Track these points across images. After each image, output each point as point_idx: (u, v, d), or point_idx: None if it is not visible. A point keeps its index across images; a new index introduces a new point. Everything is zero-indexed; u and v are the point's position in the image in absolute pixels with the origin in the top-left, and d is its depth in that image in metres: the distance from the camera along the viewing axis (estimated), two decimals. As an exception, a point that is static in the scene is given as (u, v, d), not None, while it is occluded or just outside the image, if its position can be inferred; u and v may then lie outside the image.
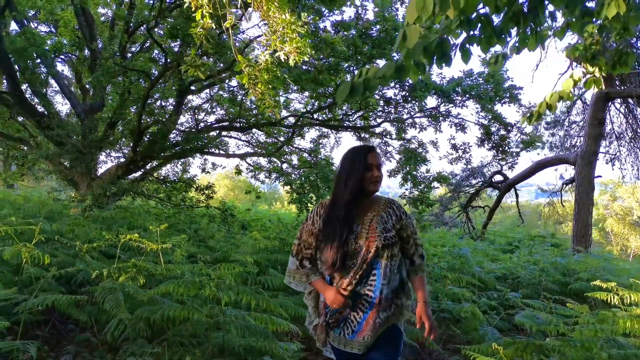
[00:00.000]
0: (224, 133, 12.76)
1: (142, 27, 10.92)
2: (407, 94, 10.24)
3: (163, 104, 12.28)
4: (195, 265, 4.10)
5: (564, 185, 15.42)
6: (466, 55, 2.92)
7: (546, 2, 2.88)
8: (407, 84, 9.92)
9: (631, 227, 30.59)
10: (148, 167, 12.40)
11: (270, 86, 4.37)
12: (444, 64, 2.95)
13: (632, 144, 14.66)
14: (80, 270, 3.56)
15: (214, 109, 13.47)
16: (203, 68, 4.73)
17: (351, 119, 11.77)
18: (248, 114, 12.31)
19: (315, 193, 9.08)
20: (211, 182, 12.38)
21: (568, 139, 15.68)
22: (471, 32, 2.80)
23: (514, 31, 3.14)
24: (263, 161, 13.04)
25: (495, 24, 2.95)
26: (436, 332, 2.56)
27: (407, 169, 10.45)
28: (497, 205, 15.80)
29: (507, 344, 3.63)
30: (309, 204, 9.26)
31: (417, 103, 10.74)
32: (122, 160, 12.46)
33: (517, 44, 3.31)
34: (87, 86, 12.80)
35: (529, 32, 3.20)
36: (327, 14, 8.43)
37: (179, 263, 4.29)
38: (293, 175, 10.96)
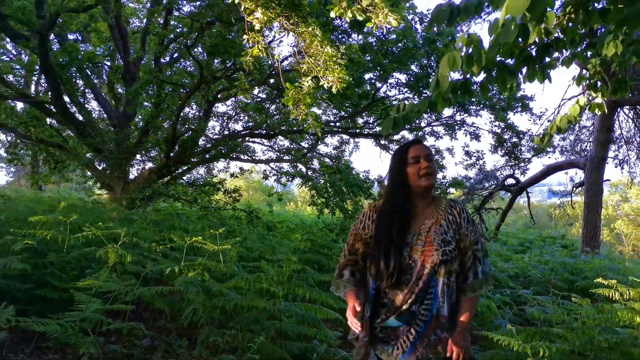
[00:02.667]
0: (250, 139, 13.44)
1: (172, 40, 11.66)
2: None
3: (195, 112, 13.00)
4: (255, 262, 4.77)
5: (574, 188, 15.95)
6: (486, 92, 3.55)
7: (551, 49, 3.50)
8: (426, 95, 10.56)
9: (642, 228, 30.95)
10: (178, 171, 13.13)
11: (312, 108, 5.04)
12: (467, 96, 3.59)
13: (640, 148, 15.16)
14: (162, 268, 4.23)
15: (239, 116, 14.17)
16: (251, 91, 5.41)
17: (371, 127, 12.47)
18: (270, 120, 13.00)
19: (340, 197, 9.74)
20: (238, 186, 13.09)
21: (578, 143, 16.19)
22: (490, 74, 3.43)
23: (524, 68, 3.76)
24: (286, 166, 13.72)
25: (509, 63, 3.57)
26: None
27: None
28: (510, 208, 16.35)
29: (519, 332, 4.26)
30: (334, 207, 9.93)
31: (434, 113, 11.38)
32: (149, 164, 13.21)
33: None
34: (118, 95, 13.58)
35: (537, 68, 3.81)
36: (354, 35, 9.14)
37: (234, 262, 4.96)
38: (315, 180, 11.60)
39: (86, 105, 13.50)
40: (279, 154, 14.22)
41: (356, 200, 10.39)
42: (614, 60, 4.24)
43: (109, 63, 13.89)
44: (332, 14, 4.30)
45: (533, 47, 3.47)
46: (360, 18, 4.26)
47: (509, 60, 3.47)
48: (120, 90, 13.88)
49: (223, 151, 12.27)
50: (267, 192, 14.75)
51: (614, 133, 13.85)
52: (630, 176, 15.76)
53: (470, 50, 2.83)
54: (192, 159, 12.35)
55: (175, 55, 13.17)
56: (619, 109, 13.55)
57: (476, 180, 15.07)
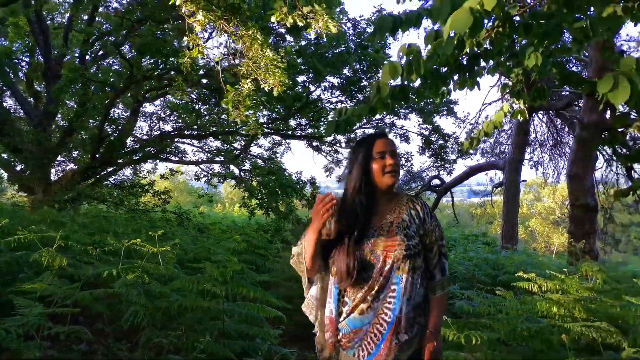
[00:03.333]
0: (180, 140, 13.24)
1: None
2: (358, 108, 11.15)
3: (121, 112, 12.65)
4: (191, 264, 4.76)
5: (494, 189, 16.87)
6: (421, 97, 3.77)
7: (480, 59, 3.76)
8: (359, 98, 10.88)
9: (554, 226, 32.99)
10: (104, 172, 12.72)
11: (251, 110, 5.11)
12: (403, 103, 3.81)
13: (553, 150, 16.24)
14: (99, 271, 4.15)
15: (168, 116, 13.93)
16: (188, 92, 5.40)
17: (304, 129, 12.65)
18: (201, 121, 12.84)
19: (274, 198, 9.84)
20: (166, 188, 12.87)
21: (497, 146, 17.10)
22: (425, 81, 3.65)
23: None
24: (216, 167, 13.61)
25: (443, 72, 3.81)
26: None
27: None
28: (435, 207, 17.01)
29: (452, 323, 4.53)
30: (268, 208, 10.00)
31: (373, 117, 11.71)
32: (71, 165, 12.73)
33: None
34: (38, 93, 12.97)
35: (468, 76, 4.09)
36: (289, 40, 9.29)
37: (173, 264, 4.94)
38: (248, 181, 11.60)
39: (3, 103, 12.81)
40: (209, 154, 14.09)
41: (288, 202, 10.49)
42: (534, 70, 4.59)
43: (27, 59, 13.26)
44: (273, 19, 4.38)
45: (464, 57, 3.73)
46: (300, 24, 4.37)
47: (442, 69, 3.71)
48: (39, 88, 13.26)
49: (152, 152, 12.03)
50: (197, 194, 14.58)
51: (529, 136, 14.76)
52: (543, 177, 16.87)
53: (411, 59, 3.02)
54: (119, 160, 12.01)
55: (100, 52, 12.73)
56: (534, 114, 14.45)
57: (403, 180, 15.58)
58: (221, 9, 4.70)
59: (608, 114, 10.65)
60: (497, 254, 9.80)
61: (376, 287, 2.13)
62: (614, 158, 12.54)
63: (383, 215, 2.25)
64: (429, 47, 3.06)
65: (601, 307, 4.50)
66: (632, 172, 11.20)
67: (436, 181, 15.99)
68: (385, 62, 10.57)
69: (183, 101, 11.87)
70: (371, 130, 12.81)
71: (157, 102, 13.72)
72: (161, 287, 3.97)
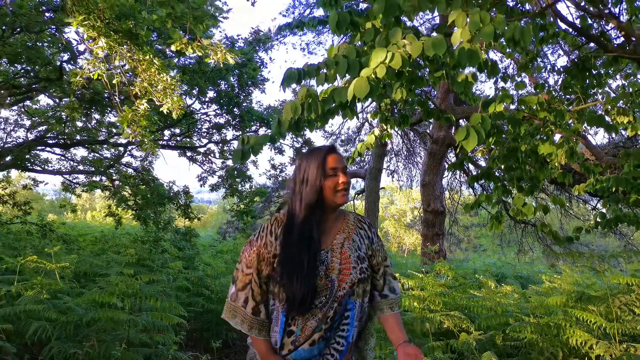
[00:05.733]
0: (40, 148, 12.59)
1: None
2: (236, 121, 11.58)
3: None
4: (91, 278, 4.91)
5: (356, 195, 18.19)
6: (312, 126, 4.38)
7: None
8: (237, 113, 11.26)
9: (405, 228, 35.75)
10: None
11: (147, 129, 5.37)
12: (297, 132, 4.40)
13: (407, 160, 17.94)
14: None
15: (27, 123, 13.15)
16: (80, 110, 5.51)
17: (179, 139, 12.74)
18: (62, 128, 12.29)
19: (151, 209, 9.90)
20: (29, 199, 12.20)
21: (359, 155, 18.43)
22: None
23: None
24: (81, 176, 13.12)
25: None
26: None
27: (229, 184, 11.73)
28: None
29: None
30: (146, 219, 10.02)
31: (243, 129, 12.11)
32: None
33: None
34: None
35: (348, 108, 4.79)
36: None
37: (70, 280, 5.06)
38: (120, 191, 11.42)
39: None
40: (73, 163, 13.55)
41: (160, 211, 10.57)
42: (399, 101, 5.43)
43: None
44: (173, 48, 4.74)
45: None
46: (200, 54, 4.78)
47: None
48: None
49: (11, 161, 11.37)
50: (60, 204, 13.89)
51: (387, 147, 16.21)
52: (398, 183, 18.53)
53: (310, 101, 3.60)
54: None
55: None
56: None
57: (273, 188, 16.22)
58: (119, 34, 4.93)
59: (453, 130, 12.25)
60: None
61: (331, 315, 1.98)
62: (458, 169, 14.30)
63: (332, 235, 2.12)
64: (322, 88, 3.69)
65: (452, 300, 5.44)
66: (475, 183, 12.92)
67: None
68: (260, 76, 11.18)
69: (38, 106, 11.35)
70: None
71: (15, 107, 12.92)
72: (71, 301, 4.14)
